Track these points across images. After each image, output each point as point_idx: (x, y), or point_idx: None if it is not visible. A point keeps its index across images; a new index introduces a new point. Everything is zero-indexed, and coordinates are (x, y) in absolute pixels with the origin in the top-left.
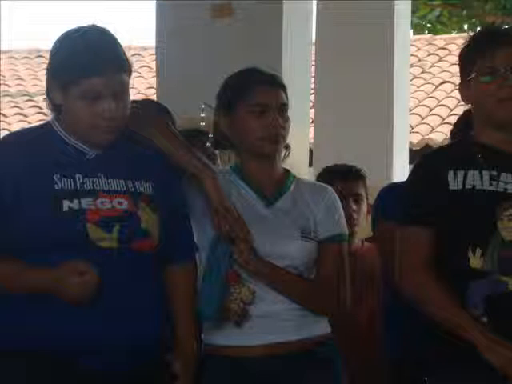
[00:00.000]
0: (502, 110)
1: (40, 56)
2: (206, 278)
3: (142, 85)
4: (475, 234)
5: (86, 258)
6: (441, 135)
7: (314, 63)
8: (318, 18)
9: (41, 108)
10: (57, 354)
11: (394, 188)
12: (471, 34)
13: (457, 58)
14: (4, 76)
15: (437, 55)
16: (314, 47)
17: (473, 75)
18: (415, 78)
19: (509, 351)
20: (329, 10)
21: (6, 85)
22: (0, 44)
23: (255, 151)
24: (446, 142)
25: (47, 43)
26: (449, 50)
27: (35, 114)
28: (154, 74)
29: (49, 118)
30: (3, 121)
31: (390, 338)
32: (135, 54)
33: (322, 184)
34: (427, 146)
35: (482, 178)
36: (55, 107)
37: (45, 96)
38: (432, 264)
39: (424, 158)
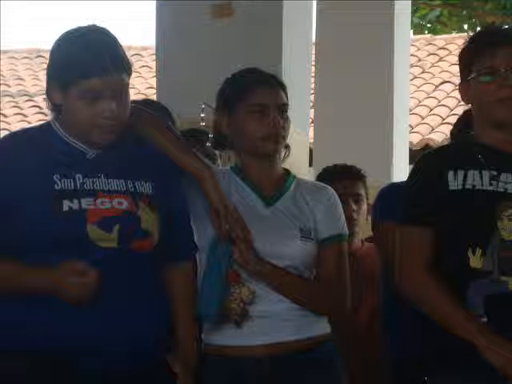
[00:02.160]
0: (502, 110)
1: (40, 56)
2: (205, 278)
3: (142, 85)
4: (475, 233)
5: (85, 258)
6: (441, 135)
7: (313, 63)
8: (318, 18)
9: (41, 108)
10: (57, 353)
11: (394, 188)
12: (471, 34)
13: (457, 58)
14: (4, 76)
15: (437, 55)
16: (314, 47)
17: (473, 75)
18: (415, 78)
19: (509, 351)
20: (329, 10)
21: (6, 85)
22: (0, 44)
23: (255, 151)
24: (446, 142)
25: (47, 44)
26: (449, 50)
27: (35, 114)
28: (154, 74)
29: (49, 118)
30: (3, 121)
31: (390, 338)
32: (135, 54)
33: (322, 184)
34: (427, 145)
35: (481, 177)
36: (55, 107)
37: (45, 96)
38: (432, 264)
39: (424, 157)
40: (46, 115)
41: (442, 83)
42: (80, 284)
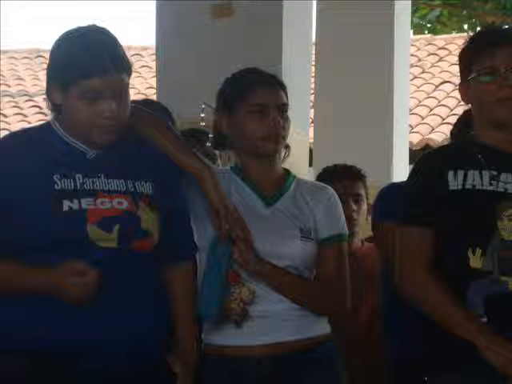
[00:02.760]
0: (502, 110)
1: (40, 56)
2: (205, 278)
3: (142, 85)
4: (475, 233)
5: (85, 258)
6: (441, 135)
7: (313, 63)
8: (318, 18)
9: (41, 108)
10: (57, 353)
11: (394, 188)
12: (471, 34)
13: (457, 58)
14: (4, 76)
15: (437, 55)
16: (314, 47)
17: (473, 75)
18: (415, 78)
19: (509, 351)
20: (329, 10)
21: (6, 85)
22: (0, 44)
23: (255, 151)
24: (446, 142)
25: (47, 44)
26: (449, 50)
27: (35, 114)
28: (154, 74)
29: (49, 118)
30: (3, 121)
31: (390, 338)
32: (135, 54)
33: (322, 184)
34: (427, 145)
35: (481, 177)
36: (55, 107)
37: (45, 96)
38: (432, 264)
39: (424, 157)
40: (46, 115)
41: (442, 83)
42: (80, 284)
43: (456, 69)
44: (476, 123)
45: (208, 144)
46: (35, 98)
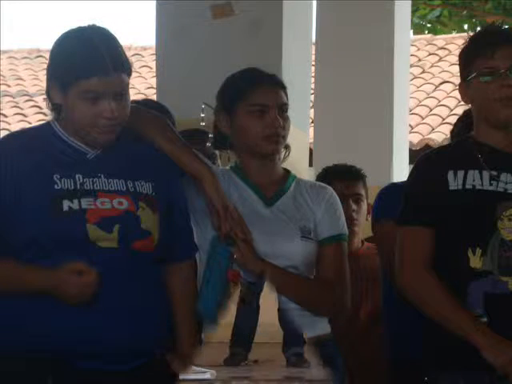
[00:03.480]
0: (502, 110)
1: (40, 56)
2: (206, 278)
3: (142, 85)
4: (475, 233)
5: (86, 258)
6: (441, 135)
7: (313, 63)
8: (318, 18)
9: (41, 108)
10: (57, 354)
11: (393, 188)
12: (471, 34)
13: (457, 58)
14: (4, 76)
15: (437, 55)
16: (313, 47)
17: (473, 75)
18: (415, 78)
19: (509, 351)
20: (329, 10)
21: (6, 85)
22: (0, 44)
23: (255, 151)
24: (446, 142)
25: (47, 43)
26: (449, 50)
27: (35, 114)
28: (154, 74)
29: (49, 118)
30: (3, 121)
31: (390, 338)
32: (135, 54)
33: (321, 184)
34: (427, 146)
35: (481, 177)
36: (55, 107)
37: (45, 96)
38: (432, 264)
39: (424, 157)
40: (45, 115)
41: (442, 83)
42: (80, 284)
43: (456, 69)
44: (476, 123)
45: (208, 144)
46: (35, 98)
